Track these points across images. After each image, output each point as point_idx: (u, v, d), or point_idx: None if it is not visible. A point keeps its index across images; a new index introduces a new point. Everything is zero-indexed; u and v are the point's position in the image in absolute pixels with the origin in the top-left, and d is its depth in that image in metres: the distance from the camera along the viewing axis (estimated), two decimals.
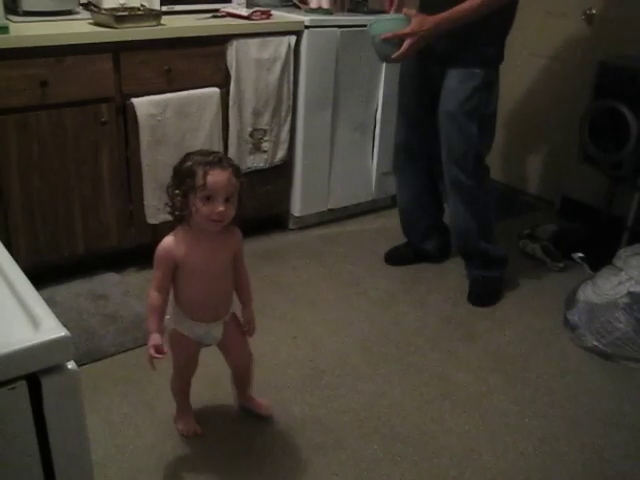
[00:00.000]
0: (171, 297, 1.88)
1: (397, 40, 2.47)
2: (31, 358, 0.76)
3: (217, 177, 1.69)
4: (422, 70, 2.77)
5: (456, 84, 2.62)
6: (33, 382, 0.77)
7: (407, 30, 2.46)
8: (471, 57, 2.60)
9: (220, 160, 1.74)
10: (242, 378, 2.12)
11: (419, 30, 2.45)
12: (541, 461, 2.05)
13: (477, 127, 2.65)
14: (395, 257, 3.17)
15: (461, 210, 2.80)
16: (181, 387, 2.06)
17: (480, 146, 2.71)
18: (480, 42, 2.58)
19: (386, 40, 2.49)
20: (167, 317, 1.92)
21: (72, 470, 0.83)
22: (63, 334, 0.78)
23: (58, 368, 0.78)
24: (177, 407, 2.09)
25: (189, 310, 1.87)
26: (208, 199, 1.70)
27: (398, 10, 2.62)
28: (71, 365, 0.79)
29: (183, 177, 1.72)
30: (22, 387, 0.76)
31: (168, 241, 1.79)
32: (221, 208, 1.70)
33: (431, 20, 2.47)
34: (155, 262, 1.81)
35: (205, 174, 1.68)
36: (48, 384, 0.77)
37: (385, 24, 2.53)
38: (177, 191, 1.74)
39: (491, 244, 2.90)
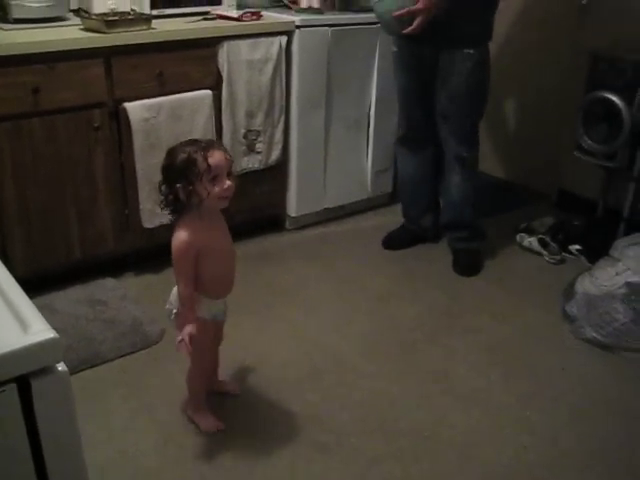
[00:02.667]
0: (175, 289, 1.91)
1: (408, 16, 2.55)
2: (20, 360, 0.76)
3: (217, 157, 1.79)
4: (416, 53, 2.84)
5: (452, 65, 2.75)
6: (23, 385, 0.77)
7: (420, 6, 2.53)
8: (463, 37, 2.72)
9: (212, 142, 1.89)
10: (216, 359, 2.18)
11: (429, 5, 2.52)
12: (544, 454, 2.05)
13: (474, 104, 2.85)
14: (392, 241, 3.27)
15: (461, 182, 2.99)
16: (202, 381, 2.09)
17: (477, 120, 2.94)
18: (470, 21, 2.70)
19: (396, 17, 2.56)
20: (173, 311, 1.93)
21: (66, 472, 0.82)
22: (52, 336, 0.78)
23: (48, 370, 0.78)
24: (196, 405, 2.10)
25: (212, 290, 1.93)
26: (214, 179, 1.79)
27: None
28: (61, 367, 0.79)
29: (183, 168, 1.78)
30: (12, 390, 0.76)
31: (184, 235, 1.82)
32: (229, 182, 1.81)
33: None
34: (178, 258, 1.84)
35: (206, 158, 1.77)
36: (38, 386, 0.77)
37: (392, 1, 2.57)
38: (179, 184, 1.78)
39: (477, 218, 3.11)
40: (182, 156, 1.79)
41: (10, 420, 0.77)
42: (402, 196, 3.33)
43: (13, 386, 0.76)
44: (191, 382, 2.09)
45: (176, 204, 1.83)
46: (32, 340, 0.77)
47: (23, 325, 0.79)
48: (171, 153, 1.83)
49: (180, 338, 1.84)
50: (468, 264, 3.10)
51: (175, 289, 1.93)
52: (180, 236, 1.82)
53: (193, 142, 1.85)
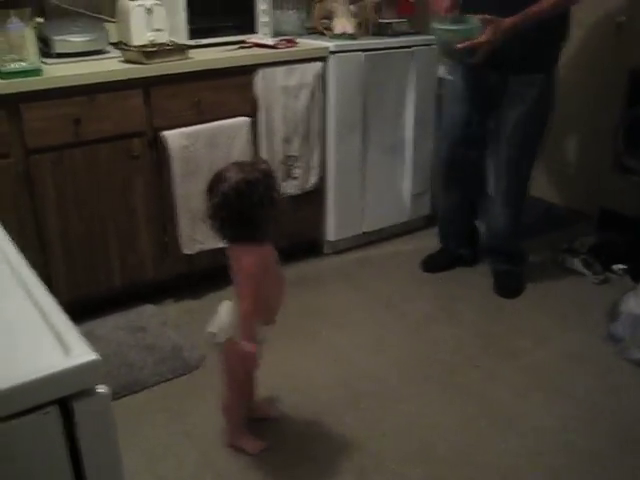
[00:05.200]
0: (224, 311, 1.93)
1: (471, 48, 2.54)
2: (62, 382, 0.76)
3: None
4: (480, 80, 2.80)
5: (519, 91, 2.72)
6: (65, 407, 0.77)
7: (483, 38, 2.51)
8: (534, 62, 2.69)
9: (262, 163, 1.95)
10: (255, 383, 2.18)
11: (493, 37, 2.50)
12: (588, 478, 1.99)
13: (541, 130, 2.82)
14: (431, 264, 3.26)
15: (507, 212, 2.95)
16: (242, 407, 2.10)
17: (538, 149, 2.90)
18: (543, 46, 2.67)
19: (461, 49, 2.54)
20: (213, 332, 1.94)
21: None
22: (93, 358, 0.78)
23: (89, 392, 0.78)
24: (235, 429, 2.11)
25: (262, 315, 1.93)
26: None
27: (449, 10, 2.69)
28: (102, 389, 0.79)
29: (261, 196, 1.80)
30: (54, 411, 0.76)
31: (254, 257, 1.85)
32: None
33: (506, 24, 2.51)
34: (249, 278, 1.85)
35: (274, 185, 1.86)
36: (80, 408, 0.77)
37: (461, 32, 2.55)
38: (256, 211, 1.81)
39: (520, 241, 3.09)
40: (252, 177, 1.81)
41: (52, 441, 0.77)
42: (442, 228, 3.30)
43: (55, 408, 0.76)
44: (229, 410, 2.09)
45: (242, 230, 1.84)
46: (73, 362, 0.77)
47: (65, 348, 0.80)
48: (237, 179, 1.81)
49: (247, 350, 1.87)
50: (510, 286, 3.06)
51: (221, 313, 1.95)
52: (251, 258, 1.85)
53: (252, 168, 1.85)
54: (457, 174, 3.05)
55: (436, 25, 2.64)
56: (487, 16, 2.50)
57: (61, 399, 0.77)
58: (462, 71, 2.85)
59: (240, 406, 2.10)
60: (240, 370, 2.01)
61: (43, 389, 0.75)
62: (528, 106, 2.74)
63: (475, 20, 2.53)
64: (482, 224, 3.24)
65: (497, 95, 2.78)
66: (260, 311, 1.91)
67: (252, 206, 1.80)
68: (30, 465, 0.78)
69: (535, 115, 2.78)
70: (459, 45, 2.53)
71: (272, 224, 1.86)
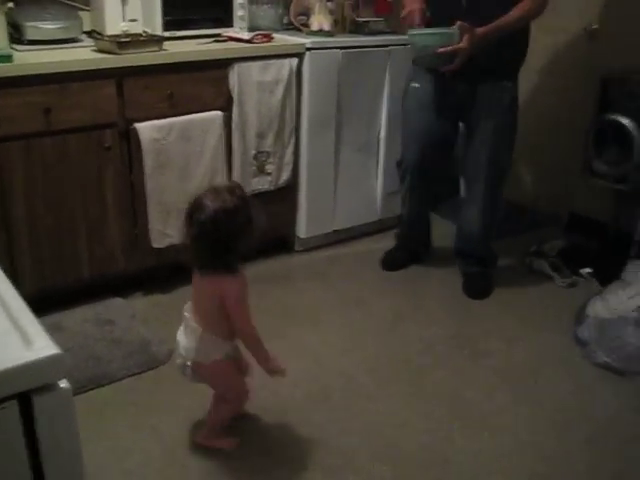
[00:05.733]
0: (196, 335, 1.90)
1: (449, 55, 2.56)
2: (22, 377, 0.75)
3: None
4: (447, 88, 2.81)
5: (492, 99, 2.77)
6: (24, 401, 0.76)
7: (462, 46, 2.53)
8: (503, 70, 2.75)
9: (237, 188, 1.89)
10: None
11: (471, 44, 2.53)
12: None
13: (513, 137, 2.87)
14: (391, 262, 3.29)
15: (481, 217, 2.99)
16: (235, 411, 2.12)
17: (511, 154, 2.94)
18: (511, 55, 2.74)
19: (441, 54, 2.56)
20: (187, 364, 1.93)
21: None
22: (55, 352, 0.77)
23: (50, 387, 0.77)
24: (218, 431, 2.10)
25: (228, 330, 1.93)
26: None
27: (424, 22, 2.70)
28: (63, 384, 0.78)
29: (244, 223, 1.81)
30: (13, 406, 0.75)
31: (241, 279, 1.88)
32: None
33: (480, 32, 2.54)
34: (242, 301, 1.88)
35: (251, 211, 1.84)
36: (40, 403, 0.76)
37: (439, 37, 2.57)
38: (239, 238, 1.82)
39: (491, 244, 3.13)
40: (242, 213, 1.80)
41: (11, 437, 0.76)
42: (404, 228, 3.34)
43: (14, 403, 0.75)
44: (219, 415, 2.09)
45: (220, 259, 1.83)
46: (35, 356, 0.76)
47: (26, 341, 0.78)
48: (223, 210, 1.79)
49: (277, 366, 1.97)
50: (479, 288, 3.09)
51: (182, 340, 1.94)
52: (238, 280, 1.87)
53: (230, 194, 1.82)
54: (423, 179, 3.07)
55: (414, 31, 2.66)
56: (464, 23, 2.53)
57: (21, 394, 0.75)
58: (429, 79, 2.85)
59: (230, 415, 2.11)
60: (228, 380, 2.02)
61: (2, 383, 0.73)
62: (501, 114, 2.80)
63: (453, 27, 2.54)
64: (454, 226, 3.25)
65: (465, 104, 2.82)
66: (224, 328, 1.91)
67: (230, 236, 1.80)
68: None
69: (509, 122, 2.85)
70: (440, 50, 2.55)
71: (248, 249, 1.86)
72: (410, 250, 3.33)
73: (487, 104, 2.78)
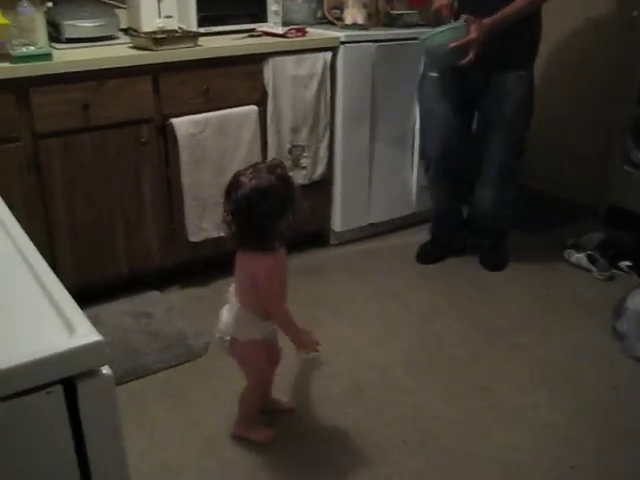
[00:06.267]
0: (234, 311, 1.93)
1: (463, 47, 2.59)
2: (67, 362, 0.77)
3: None
4: (463, 78, 2.83)
5: (507, 88, 2.81)
6: (69, 387, 0.78)
7: (473, 36, 2.57)
8: (520, 59, 2.80)
9: (279, 165, 1.91)
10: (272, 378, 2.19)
11: (480, 33, 2.57)
12: (594, 476, 1.99)
13: (526, 119, 2.93)
14: (426, 255, 3.30)
15: (500, 199, 3.04)
16: (259, 400, 2.12)
17: (526, 132, 2.97)
18: (524, 44, 2.79)
19: (454, 48, 2.59)
20: (226, 338, 1.95)
21: (110, 473, 0.83)
22: (98, 339, 0.79)
23: (93, 373, 0.79)
24: (248, 421, 2.12)
25: (266, 311, 1.94)
26: None
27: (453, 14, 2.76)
28: (106, 370, 0.80)
29: (285, 202, 1.81)
30: (59, 391, 0.77)
31: (270, 263, 1.86)
32: None
33: (485, 23, 2.59)
34: (272, 279, 1.88)
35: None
36: (84, 388, 0.78)
37: (449, 33, 2.62)
38: (282, 217, 1.82)
39: (506, 220, 3.22)
40: (279, 192, 1.80)
41: (56, 421, 0.78)
42: (435, 221, 3.36)
43: (59, 387, 0.77)
44: (246, 402, 2.10)
45: (253, 238, 1.84)
46: (78, 343, 0.78)
47: (70, 328, 0.81)
48: (258, 189, 1.79)
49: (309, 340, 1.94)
50: (496, 259, 3.22)
51: (224, 314, 1.96)
52: (271, 260, 1.86)
53: (269, 173, 1.81)
54: (447, 171, 3.10)
55: (423, 36, 2.71)
56: (469, 16, 2.59)
57: (65, 379, 0.77)
58: (446, 69, 2.87)
59: (256, 400, 2.11)
60: (256, 364, 2.02)
61: (47, 369, 0.76)
62: (517, 102, 2.85)
63: (460, 21, 2.61)
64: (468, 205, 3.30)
65: (481, 92, 2.87)
66: (262, 309, 1.93)
67: (265, 214, 1.79)
68: (33, 445, 0.78)
69: (524, 110, 2.90)
70: (451, 45, 2.59)
71: (286, 231, 1.86)
72: (444, 243, 3.33)
73: (503, 92, 2.83)
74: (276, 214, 1.81)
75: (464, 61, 2.62)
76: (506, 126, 2.89)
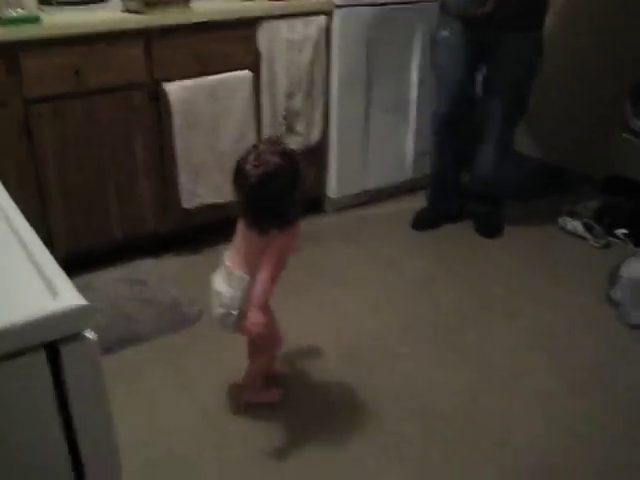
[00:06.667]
0: (242, 283, 1.89)
1: None
2: (49, 326, 0.75)
3: None
4: (475, 38, 2.84)
5: (519, 50, 2.83)
6: (52, 351, 0.76)
7: None
8: (532, 21, 2.82)
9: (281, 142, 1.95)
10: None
11: None
12: (591, 441, 2.00)
13: (531, 79, 2.95)
14: (421, 222, 3.29)
15: (498, 159, 3.08)
16: (271, 361, 2.14)
17: (530, 90, 3.00)
18: (538, 6, 2.82)
19: None
20: (233, 312, 1.91)
21: (96, 439, 0.82)
22: (81, 303, 0.77)
23: (77, 337, 0.77)
24: (257, 385, 2.12)
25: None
26: None
27: None
28: (89, 334, 0.78)
29: (279, 181, 1.78)
30: (41, 355, 0.75)
31: (291, 236, 1.93)
32: None
33: None
34: (279, 253, 1.90)
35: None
36: (67, 352, 0.77)
37: None
38: (283, 199, 1.81)
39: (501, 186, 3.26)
40: (287, 171, 1.78)
41: (40, 386, 0.77)
42: (434, 186, 3.33)
43: (42, 352, 0.75)
44: (258, 369, 2.10)
45: (271, 221, 1.83)
46: (61, 306, 0.76)
47: (53, 292, 0.79)
48: (267, 175, 1.77)
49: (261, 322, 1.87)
50: (492, 226, 3.23)
51: (225, 289, 1.90)
52: (288, 236, 1.89)
53: (272, 153, 1.79)
54: (454, 130, 3.10)
55: None
56: None
57: (49, 343, 0.76)
58: (459, 27, 2.84)
59: (267, 365, 2.13)
60: (272, 328, 2.01)
61: (29, 332, 0.74)
62: (527, 64, 2.88)
63: None
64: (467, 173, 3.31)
65: (491, 52, 2.86)
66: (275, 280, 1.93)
67: (275, 199, 1.79)
68: (17, 409, 0.77)
69: (531, 72, 2.92)
70: None
71: (298, 202, 1.86)
72: (440, 210, 3.32)
73: (511, 54, 2.83)
74: (287, 192, 1.80)
75: (481, 10, 2.64)
76: (514, 87, 2.91)
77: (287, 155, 1.81)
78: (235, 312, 1.90)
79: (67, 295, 0.78)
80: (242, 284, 1.88)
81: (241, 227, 1.90)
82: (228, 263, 1.92)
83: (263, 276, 1.86)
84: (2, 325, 0.72)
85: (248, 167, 1.77)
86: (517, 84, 2.91)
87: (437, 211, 3.32)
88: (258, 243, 1.87)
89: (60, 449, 0.80)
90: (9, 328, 0.73)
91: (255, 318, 1.84)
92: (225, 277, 1.92)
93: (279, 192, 1.78)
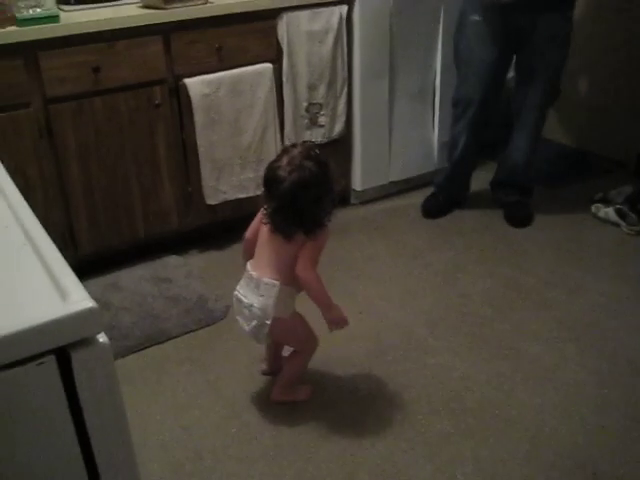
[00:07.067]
0: (274, 291, 1.86)
1: None
2: (59, 331, 0.72)
3: None
4: (507, 23, 2.78)
5: (554, 31, 2.78)
6: (62, 357, 0.73)
7: None
8: (560, 3, 2.77)
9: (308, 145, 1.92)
10: None
11: None
12: (624, 435, 1.93)
13: (563, 62, 2.91)
14: (433, 209, 3.25)
15: (528, 147, 3.05)
16: (309, 361, 2.10)
17: (560, 82, 2.99)
18: None
19: None
20: (267, 322, 1.89)
21: (110, 444, 0.79)
22: (91, 305, 0.74)
23: (88, 341, 0.74)
24: (293, 387, 2.10)
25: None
26: None
27: None
28: (102, 338, 0.75)
29: (312, 189, 1.77)
30: (51, 362, 0.72)
31: (320, 240, 1.89)
32: None
33: None
34: (318, 253, 1.90)
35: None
36: (78, 358, 0.74)
37: None
38: (317, 205, 1.81)
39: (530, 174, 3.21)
40: (319, 179, 1.78)
41: (50, 393, 0.74)
42: (452, 172, 3.25)
43: (52, 358, 0.73)
44: (297, 370, 2.08)
45: (308, 222, 1.83)
46: (71, 310, 0.73)
47: (62, 294, 0.76)
48: (300, 180, 1.76)
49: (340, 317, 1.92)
50: (522, 216, 3.15)
51: (255, 300, 1.87)
52: (317, 242, 1.87)
53: (303, 158, 1.79)
54: (483, 115, 3.03)
55: None
56: None
57: (59, 349, 0.73)
58: (490, 12, 2.78)
59: (306, 364, 2.10)
60: (306, 331, 2.01)
61: (38, 338, 0.71)
62: (559, 46, 2.82)
63: None
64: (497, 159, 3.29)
65: (524, 36, 2.80)
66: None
67: (308, 206, 1.78)
68: (29, 418, 0.74)
69: (564, 54, 2.88)
70: None
71: (330, 208, 1.85)
72: (450, 195, 3.28)
73: (544, 36, 2.77)
74: (321, 199, 1.79)
75: None
76: (550, 70, 2.87)
77: (320, 163, 1.79)
78: (268, 322, 1.87)
79: (77, 297, 0.75)
80: (273, 291, 1.85)
81: (264, 234, 1.88)
82: (253, 273, 1.89)
83: (310, 278, 1.88)
84: (7, 331, 0.69)
85: (281, 172, 1.74)
86: (554, 65, 2.87)
87: (447, 197, 3.27)
88: (286, 249, 1.85)
89: (74, 459, 0.77)
90: (15, 334, 0.70)
91: (335, 315, 1.91)
92: (253, 287, 1.88)
93: (312, 198, 1.77)
